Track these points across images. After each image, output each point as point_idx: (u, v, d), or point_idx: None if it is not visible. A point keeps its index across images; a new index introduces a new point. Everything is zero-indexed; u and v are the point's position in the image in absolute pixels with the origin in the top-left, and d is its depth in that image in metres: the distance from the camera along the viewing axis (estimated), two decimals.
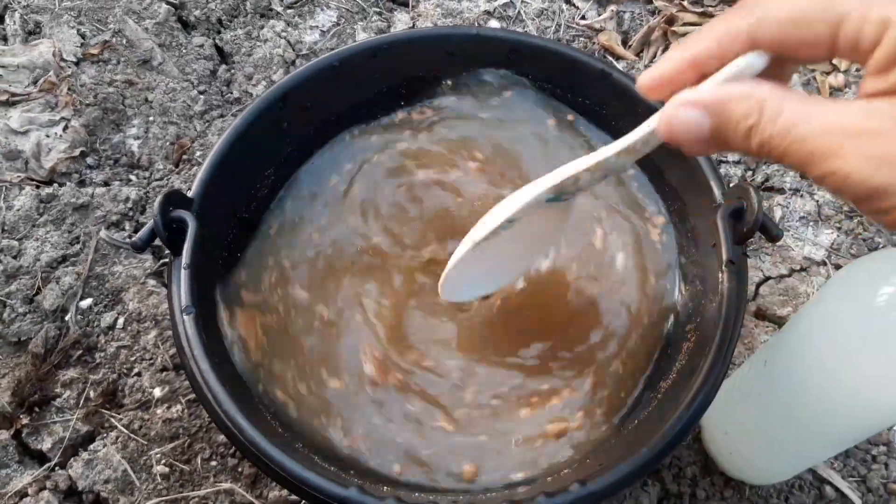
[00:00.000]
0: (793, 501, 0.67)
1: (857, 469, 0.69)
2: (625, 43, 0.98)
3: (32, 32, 0.94)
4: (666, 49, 0.95)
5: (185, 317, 0.50)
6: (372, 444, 0.54)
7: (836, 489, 0.68)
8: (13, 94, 0.88)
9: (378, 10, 1.01)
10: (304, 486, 0.43)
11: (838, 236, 0.82)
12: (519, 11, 0.99)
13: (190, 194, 0.56)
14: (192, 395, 0.72)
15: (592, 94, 0.66)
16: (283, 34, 0.97)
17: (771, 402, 0.56)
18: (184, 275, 0.51)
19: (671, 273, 0.62)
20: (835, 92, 0.92)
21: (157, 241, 0.52)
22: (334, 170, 0.67)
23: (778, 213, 0.84)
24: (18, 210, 0.81)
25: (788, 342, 0.54)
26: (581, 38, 0.98)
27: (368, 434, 0.55)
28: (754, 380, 0.59)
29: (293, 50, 0.96)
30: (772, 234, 0.52)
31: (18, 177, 0.84)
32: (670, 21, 0.97)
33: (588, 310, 0.61)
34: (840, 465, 0.69)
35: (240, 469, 0.69)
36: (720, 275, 0.52)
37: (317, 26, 0.99)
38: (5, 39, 0.94)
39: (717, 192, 0.56)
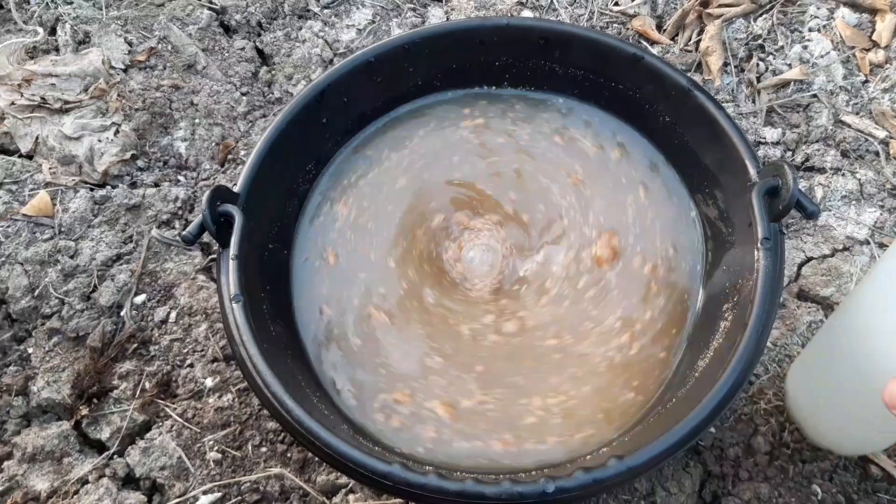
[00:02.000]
0: (837, 481, 0.67)
1: None
2: (659, 27, 0.97)
3: (82, 42, 0.98)
4: (701, 32, 0.95)
5: (234, 305, 0.52)
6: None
7: (882, 469, 0.67)
8: (66, 102, 0.92)
9: (412, 5, 1.02)
10: (348, 463, 0.45)
11: (881, 214, 0.81)
12: (552, 0, 1.00)
13: (236, 190, 0.58)
14: (242, 385, 0.75)
15: (625, 79, 0.66)
16: (321, 34, 1.00)
17: (848, 368, 0.56)
18: (232, 265, 0.53)
19: (696, 254, 0.62)
20: (875, 68, 0.90)
21: (206, 238, 0.55)
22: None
23: (819, 193, 0.83)
24: (74, 212, 0.85)
25: (856, 302, 0.54)
26: (615, 25, 0.98)
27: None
28: (831, 344, 0.59)
29: (331, 49, 0.99)
30: (808, 211, 0.52)
31: (73, 180, 0.88)
32: (705, 3, 0.96)
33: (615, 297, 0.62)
34: None
35: (289, 454, 0.71)
36: (756, 253, 0.52)
37: (353, 24, 1.01)
38: (57, 50, 0.98)
39: (752, 170, 0.56)
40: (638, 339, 0.60)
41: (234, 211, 0.55)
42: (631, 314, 0.61)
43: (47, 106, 0.92)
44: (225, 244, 0.54)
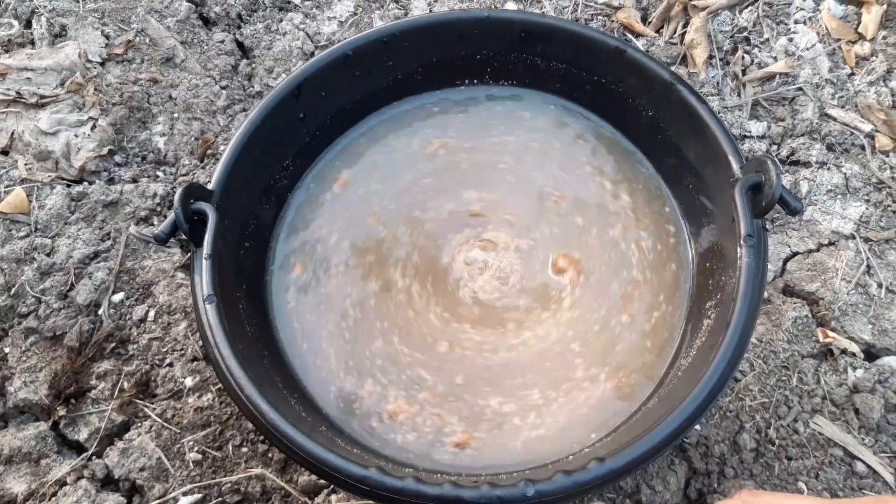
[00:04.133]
0: (822, 478, 0.67)
1: (890, 445, 0.68)
2: (644, 20, 0.96)
3: (58, 35, 0.96)
4: (686, 24, 0.94)
5: (208, 305, 0.51)
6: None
7: (868, 465, 0.67)
8: (42, 97, 0.90)
9: None
10: (324, 468, 0.44)
11: (867, 209, 0.80)
12: None
13: (210, 187, 0.57)
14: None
15: (607, 72, 0.65)
16: (302, 26, 0.98)
17: None
18: (205, 265, 0.52)
19: (685, 256, 0.62)
20: (861, 61, 0.90)
21: (183, 235, 0.54)
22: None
23: (805, 187, 0.82)
24: (51, 209, 0.83)
25: None
26: (599, 17, 0.97)
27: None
28: None
29: (312, 41, 0.97)
30: (791, 207, 0.51)
31: (49, 176, 0.87)
32: None
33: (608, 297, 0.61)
34: (871, 440, 0.68)
35: (270, 455, 0.70)
36: (738, 250, 0.51)
37: (334, 17, 0.99)
38: (33, 43, 0.96)
39: (735, 165, 0.55)
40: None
41: (208, 209, 0.54)
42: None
43: (23, 101, 0.90)
44: (198, 243, 0.53)
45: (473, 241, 0.65)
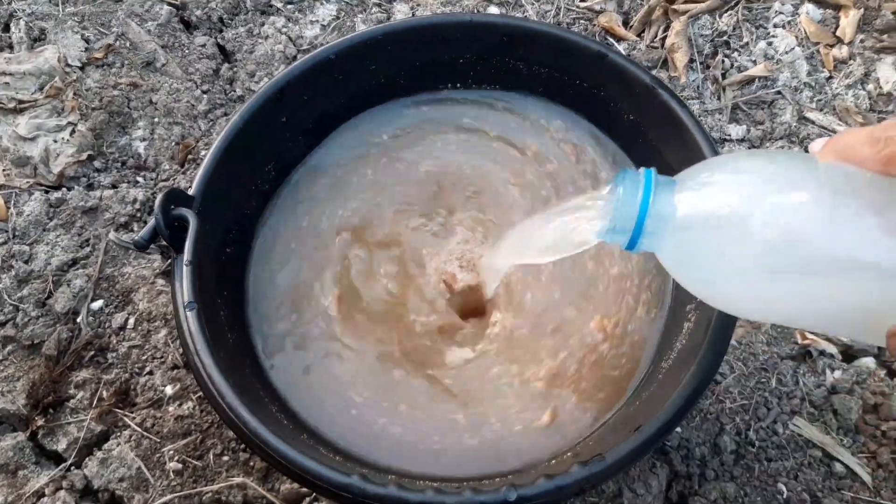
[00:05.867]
0: (802, 479, 0.67)
1: (867, 445, 0.69)
2: (626, 24, 0.97)
3: (37, 39, 0.95)
4: (667, 28, 0.94)
5: (188, 312, 0.50)
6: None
7: (846, 466, 0.68)
8: (20, 101, 0.89)
9: (377, 1, 1.01)
10: (306, 475, 0.44)
11: None
12: None
13: (191, 192, 0.56)
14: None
15: (589, 77, 0.65)
16: (284, 30, 0.98)
17: None
18: (185, 271, 0.52)
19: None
20: (839, 64, 0.91)
21: (164, 241, 0.53)
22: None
23: None
24: (29, 215, 0.82)
25: None
26: (581, 21, 0.97)
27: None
28: None
29: (294, 45, 0.97)
30: None
31: (28, 182, 0.86)
32: (671, 0, 0.96)
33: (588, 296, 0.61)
34: (849, 441, 0.69)
35: (251, 463, 0.70)
36: None
37: (317, 21, 0.99)
38: (11, 48, 0.95)
39: None
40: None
41: (189, 215, 0.53)
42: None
43: (1, 105, 0.89)
44: (179, 249, 0.53)
45: (454, 256, 0.64)
